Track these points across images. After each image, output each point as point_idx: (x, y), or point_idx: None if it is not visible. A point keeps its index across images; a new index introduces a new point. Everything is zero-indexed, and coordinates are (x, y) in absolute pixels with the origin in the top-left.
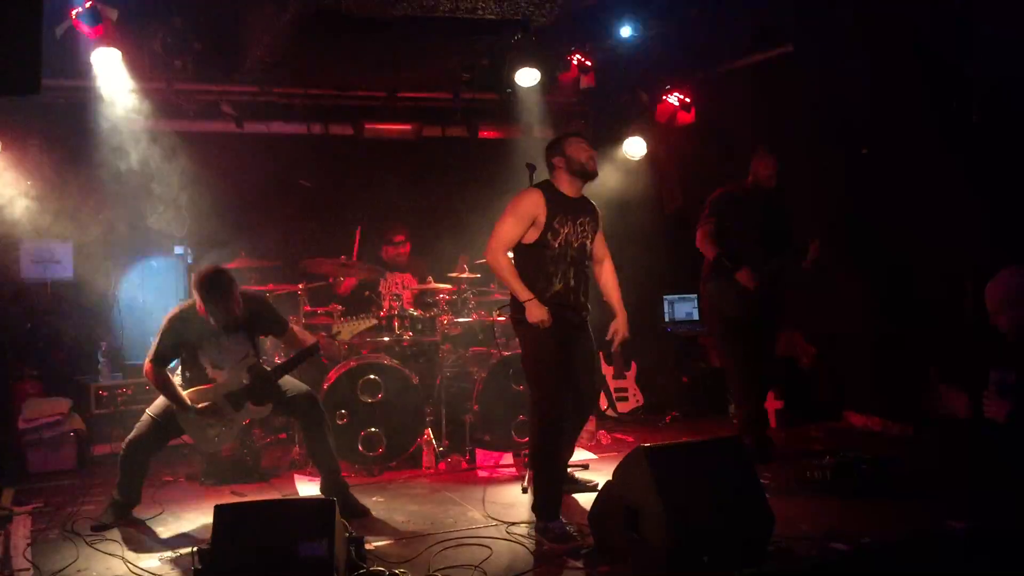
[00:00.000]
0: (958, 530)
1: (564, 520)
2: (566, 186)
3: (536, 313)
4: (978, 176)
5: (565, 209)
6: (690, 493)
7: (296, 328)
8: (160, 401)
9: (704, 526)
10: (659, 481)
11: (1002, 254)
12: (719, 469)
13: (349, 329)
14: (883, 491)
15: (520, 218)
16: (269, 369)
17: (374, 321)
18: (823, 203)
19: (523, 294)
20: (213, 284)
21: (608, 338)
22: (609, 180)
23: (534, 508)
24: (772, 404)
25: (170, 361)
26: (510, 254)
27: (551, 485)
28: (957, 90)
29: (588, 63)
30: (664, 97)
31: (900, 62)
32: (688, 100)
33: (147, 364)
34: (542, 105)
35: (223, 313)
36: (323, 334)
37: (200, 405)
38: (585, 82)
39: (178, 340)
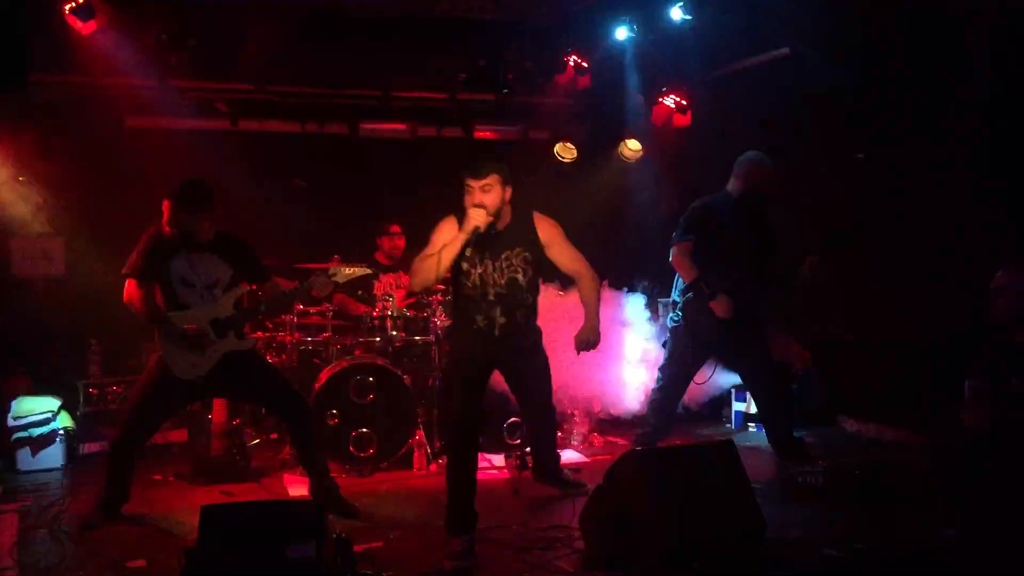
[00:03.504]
0: (949, 538)
1: (469, 538)
2: None
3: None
4: (977, 182)
5: (479, 246)
6: (682, 497)
7: (281, 282)
8: (141, 396)
9: (696, 531)
10: (651, 485)
11: (1000, 260)
12: (711, 473)
13: (345, 273)
14: (876, 497)
15: (429, 247)
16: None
17: (369, 270)
18: (821, 209)
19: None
20: (194, 191)
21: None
22: (605, 182)
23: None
24: None
25: (149, 277)
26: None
27: (454, 498)
28: (957, 94)
29: (584, 64)
30: (660, 99)
31: (897, 66)
32: (684, 103)
33: (128, 282)
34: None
35: (191, 226)
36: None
37: (186, 326)
38: (581, 83)
39: (154, 250)
